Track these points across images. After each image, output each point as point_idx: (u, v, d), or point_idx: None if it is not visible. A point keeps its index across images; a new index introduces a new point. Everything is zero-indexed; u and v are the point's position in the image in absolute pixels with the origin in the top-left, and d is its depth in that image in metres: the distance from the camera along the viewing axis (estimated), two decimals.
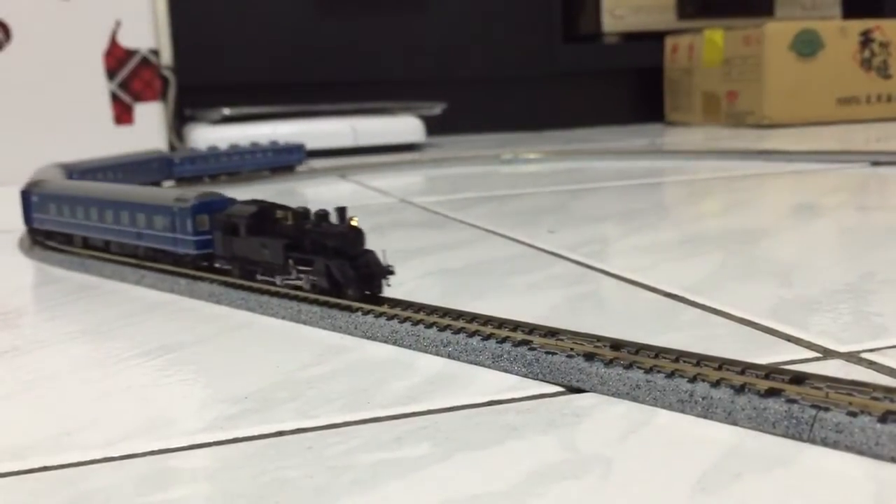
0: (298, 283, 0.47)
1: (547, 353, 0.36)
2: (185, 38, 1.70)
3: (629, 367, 0.34)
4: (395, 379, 0.38)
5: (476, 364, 0.38)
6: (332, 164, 1.38)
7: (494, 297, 0.52)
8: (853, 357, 0.37)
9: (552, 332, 0.38)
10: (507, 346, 0.38)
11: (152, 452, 0.31)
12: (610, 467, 0.28)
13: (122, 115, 1.40)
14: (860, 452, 0.28)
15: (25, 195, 0.73)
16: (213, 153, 1.19)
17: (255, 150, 1.22)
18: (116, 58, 1.38)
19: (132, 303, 0.55)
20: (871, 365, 0.36)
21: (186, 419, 0.34)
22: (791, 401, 0.30)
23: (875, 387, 0.29)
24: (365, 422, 0.33)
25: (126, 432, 0.33)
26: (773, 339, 0.40)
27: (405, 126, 1.61)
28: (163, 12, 1.67)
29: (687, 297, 0.49)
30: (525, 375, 0.37)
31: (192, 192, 0.55)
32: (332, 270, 0.45)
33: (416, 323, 0.41)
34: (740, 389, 0.31)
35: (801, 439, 0.29)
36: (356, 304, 0.44)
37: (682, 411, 0.32)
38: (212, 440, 0.32)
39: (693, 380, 0.32)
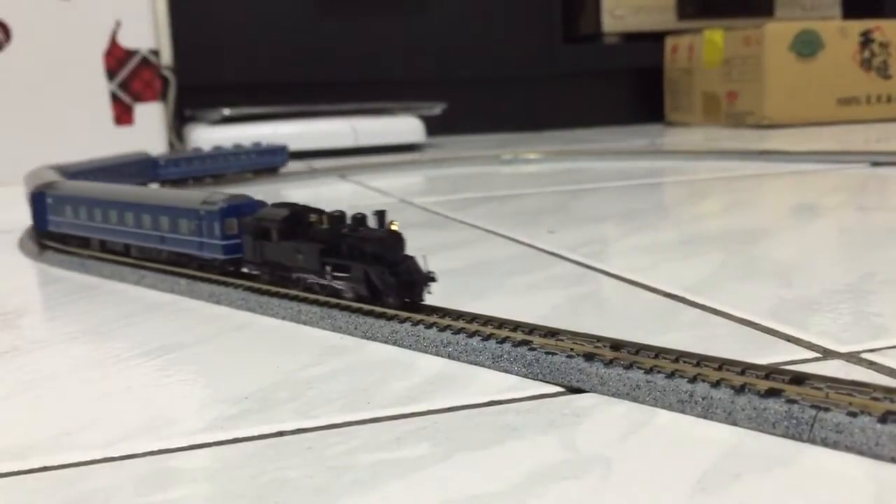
0: (338, 289, 0.45)
1: (547, 353, 0.36)
2: (185, 38, 1.70)
3: (629, 367, 0.34)
4: (395, 379, 0.38)
5: (476, 364, 0.38)
6: (332, 164, 1.38)
7: (494, 297, 0.52)
8: (853, 357, 0.37)
9: (552, 333, 0.38)
10: (507, 346, 0.38)
11: (152, 452, 0.31)
12: (610, 467, 0.28)
13: (122, 115, 1.40)
14: (860, 453, 0.28)
15: (38, 197, 0.68)
16: (198, 155, 1.19)
17: (238, 151, 1.22)
18: (116, 58, 1.38)
19: (132, 303, 0.55)
20: (871, 365, 0.36)
21: (186, 419, 0.34)
22: (791, 401, 0.30)
23: (875, 387, 0.29)
24: (365, 422, 0.33)
25: (126, 432, 0.33)
26: (773, 340, 0.40)
27: (405, 126, 1.61)
28: (163, 12, 1.67)
29: (687, 297, 0.49)
30: (525, 376, 0.37)
31: (219, 195, 0.52)
32: (371, 277, 0.42)
33: (416, 323, 0.41)
34: (740, 390, 0.31)
35: (801, 439, 0.29)
36: (356, 305, 0.44)
37: (682, 411, 0.32)
38: (212, 440, 0.32)
39: (693, 380, 0.32)
